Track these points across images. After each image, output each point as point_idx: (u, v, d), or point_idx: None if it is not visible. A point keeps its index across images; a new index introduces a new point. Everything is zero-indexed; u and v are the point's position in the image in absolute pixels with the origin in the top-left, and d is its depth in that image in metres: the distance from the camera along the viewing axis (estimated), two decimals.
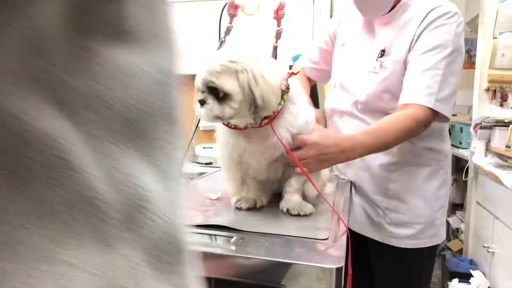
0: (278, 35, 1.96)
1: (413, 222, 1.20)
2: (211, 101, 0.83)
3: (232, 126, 0.88)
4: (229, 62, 0.82)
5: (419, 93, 1.06)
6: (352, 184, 1.31)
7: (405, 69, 1.13)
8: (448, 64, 1.07)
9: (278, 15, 1.68)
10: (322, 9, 3.00)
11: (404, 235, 1.21)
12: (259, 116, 0.87)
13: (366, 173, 1.25)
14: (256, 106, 0.83)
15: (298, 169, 0.93)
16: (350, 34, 1.30)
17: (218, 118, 0.84)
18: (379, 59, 1.17)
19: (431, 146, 1.21)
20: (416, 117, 1.06)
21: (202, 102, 0.84)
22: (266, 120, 0.87)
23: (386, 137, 1.05)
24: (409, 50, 1.12)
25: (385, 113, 1.13)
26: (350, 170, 1.30)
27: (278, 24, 1.80)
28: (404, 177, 1.21)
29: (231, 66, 0.81)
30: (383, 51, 1.17)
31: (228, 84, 0.81)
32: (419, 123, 1.07)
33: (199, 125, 2.09)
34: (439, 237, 1.26)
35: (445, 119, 1.12)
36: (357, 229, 1.29)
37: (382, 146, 1.06)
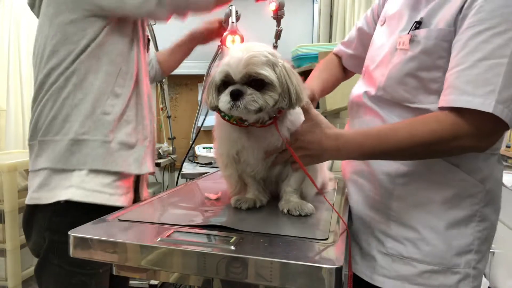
0: (277, 35, 1.96)
1: (414, 258, 0.90)
2: (252, 91, 0.80)
3: (234, 122, 0.88)
4: (269, 54, 0.83)
5: (469, 92, 0.76)
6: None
7: (445, 50, 0.83)
8: None
9: (278, 15, 1.69)
10: (322, 9, 2.99)
11: (399, 275, 0.91)
12: (271, 114, 0.87)
13: (365, 180, 1.00)
14: (290, 100, 0.83)
15: (295, 165, 0.93)
16: (391, 11, 1.02)
17: (259, 110, 0.81)
18: (411, 32, 0.88)
19: (458, 161, 0.88)
20: (452, 122, 0.78)
21: (237, 94, 0.79)
22: (270, 121, 0.88)
23: (396, 142, 0.82)
24: (455, 25, 0.81)
25: (406, 108, 0.89)
26: (347, 174, 1.09)
27: (278, 24, 1.81)
28: (414, 195, 0.91)
29: (270, 58, 0.82)
30: (418, 22, 0.87)
31: (272, 75, 0.81)
32: (458, 132, 0.77)
33: (198, 125, 2.09)
34: None
35: (505, 127, 0.79)
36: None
37: (387, 153, 0.85)
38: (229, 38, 1.55)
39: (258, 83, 0.81)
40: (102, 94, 1.12)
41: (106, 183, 1.12)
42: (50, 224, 1.09)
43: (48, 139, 1.11)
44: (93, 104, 1.11)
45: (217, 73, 0.84)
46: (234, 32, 1.55)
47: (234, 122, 0.88)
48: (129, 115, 1.18)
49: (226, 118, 0.88)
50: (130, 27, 1.19)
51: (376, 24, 1.13)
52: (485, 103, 0.74)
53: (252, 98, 0.79)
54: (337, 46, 1.29)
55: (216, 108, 0.86)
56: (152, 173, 1.27)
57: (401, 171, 0.92)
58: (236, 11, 1.62)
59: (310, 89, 1.10)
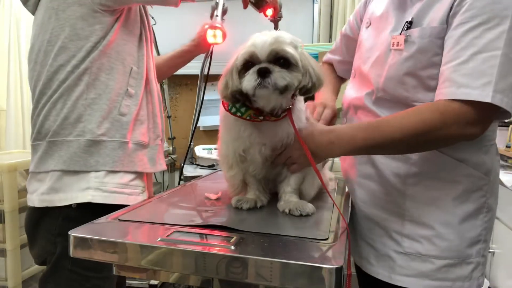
0: None
1: (432, 255, 0.91)
2: (279, 69, 0.80)
3: (248, 118, 0.87)
4: (293, 38, 0.85)
5: (467, 85, 0.78)
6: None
7: (440, 46, 0.85)
8: (511, 40, 0.77)
9: (275, 18, 1.67)
10: (322, 9, 2.99)
11: (419, 272, 0.92)
12: (284, 104, 0.87)
13: (374, 182, 0.99)
14: (312, 82, 0.84)
15: (292, 168, 0.94)
16: (377, 12, 1.03)
17: (285, 88, 0.81)
18: (404, 32, 0.90)
19: (464, 157, 0.90)
20: (443, 110, 0.79)
21: (265, 71, 0.79)
22: (284, 113, 0.88)
23: (387, 133, 0.83)
24: (447, 22, 0.84)
25: (407, 106, 0.88)
26: (352, 178, 1.06)
27: (275, 27, 1.78)
28: (425, 194, 0.92)
29: (292, 41, 0.84)
30: (409, 22, 0.89)
31: (296, 55, 0.82)
32: (450, 119, 0.79)
33: (198, 125, 2.08)
34: (474, 283, 0.92)
35: (505, 115, 0.81)
36: (362, 265, 1.04)
37: (379, 145, 0.86)
38: (209, 33, 1.42)
39: (283, 62, 0.81)
40: (117, 95, 1.12)
41: (124, 183, 1.12)
42: (62, 229, 1.06)
43: (59, 140, 1.09)
44: (109, 105, 1.11)
45: (239, 56, 0.83)
46: (214, 26, 1.41)
47: (248, 118, 0.87)
48: (142, 114, 1.19)
49: (238, 114, 0.87)
50: (137, 26, 1.18)
51: (359, 28, 1.16)
52: (483, 94, 0.76)
53: (281, 75, 0.80)
54: (326, 56, 1.32)
55: (237, 93, 0.84)
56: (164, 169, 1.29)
57: (411, 171, 0.92)
58: (223, 4, 1.49)
59: (327, 104, 1.14)
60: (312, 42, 2.95)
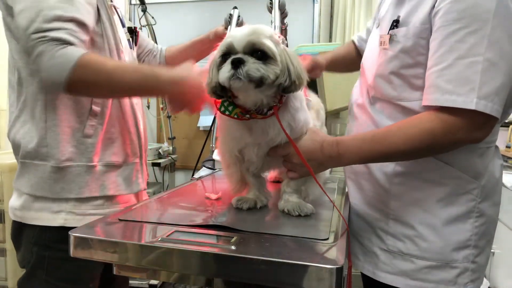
0: (282, 32, 1.92)
1: (413, 254, 0.91)
2: (255, 60, 0.79)
3: (235, 116, 0.86)
4: (273, 33, 0.84)
5: (452, 91, 0.78)
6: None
7: (423, 47, 0.85)
8: (492, 44, 0.76)
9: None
10: (322, 9, 2.99)
11: (400, 270, 0.92)
12: (275, 98, 0.86)
13: (365, 180, 1.01)
14: (290, 79, 0.82)
15: (291, 174, 0.93)
16: (383, 11, 1.03)
17: (260, 80, 0.79)
18: (390, 31, 0.90)
19: (450, 159, 0.89)
20: (444, 119, 0.79)
21: (239, 61, 0.78)
22: (271, 111, 0.86)
23: (393, 145, 0.84)
24: (430, 22, 0.83)
25: (395, 105, 0.91)
26: (348, 174, 1.09)
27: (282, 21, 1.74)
28: (409, 194, 0.92)
29: (274, 36, 0.84)
30: (396, 21, 0.90)
31: (274, 48, 0.81)
32: (451, 128, 0.79)
33: (198, 125, 2.05)
34: None
35: (494, 119, 0.81)
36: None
37: (385, 156, 0.87)
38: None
39: (260, 55, 0.80)
40: (80, 115, 1.03)
41: (99, 204, 1.07)
42: (39, 240, 1.03)
43: (28, 162, 1.03)
44: (72, 127, 1.02)
45: (218, 48, 0.83)
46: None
47: (235, 116, 0.86)
48: (113, 132, 1.09)
49: (227, 113, 0.86)
50: (105, 43, 1.06)
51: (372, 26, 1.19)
52: (467, 101, 0.77)
53: (255, 66, 0.78)
54: (355, 37, 1.32)
55: (216, 88, 0.83)
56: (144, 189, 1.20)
57: (396, 170, 0.93)
58: (238, 17, 1.38)
59: (321, 56, 1.15)
60: (312, 42, 2.95)
